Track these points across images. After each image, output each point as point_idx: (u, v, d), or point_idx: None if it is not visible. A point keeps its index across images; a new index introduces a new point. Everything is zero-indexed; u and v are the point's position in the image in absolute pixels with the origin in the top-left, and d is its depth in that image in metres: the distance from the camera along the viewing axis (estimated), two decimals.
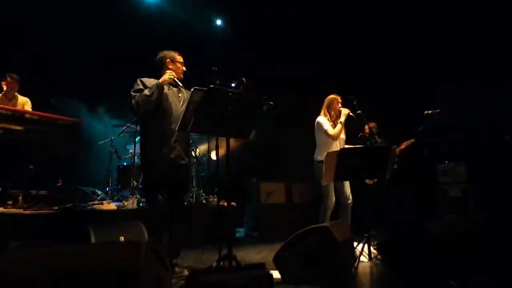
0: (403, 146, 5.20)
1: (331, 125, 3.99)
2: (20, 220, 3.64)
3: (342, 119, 3.96)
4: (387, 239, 3.22)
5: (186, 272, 2.98)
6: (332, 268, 2.59)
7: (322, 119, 4.02)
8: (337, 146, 4.00)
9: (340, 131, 3.98)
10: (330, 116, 4.05)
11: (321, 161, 3.88)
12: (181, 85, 3.18)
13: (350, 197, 3.99)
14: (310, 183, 4.28)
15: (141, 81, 3.07)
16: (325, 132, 3.95)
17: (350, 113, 3.97)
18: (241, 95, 2.54)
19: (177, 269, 3.00)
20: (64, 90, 5.46)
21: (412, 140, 5.25)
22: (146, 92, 2.93)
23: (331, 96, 4.13)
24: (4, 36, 5.27)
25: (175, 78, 3.12)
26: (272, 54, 6.83)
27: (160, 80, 3.00)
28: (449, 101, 5.61)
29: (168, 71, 3.07)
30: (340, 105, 4.07)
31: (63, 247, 1.63)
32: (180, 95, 3.14)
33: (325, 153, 3.55)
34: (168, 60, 3.19)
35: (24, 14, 5.63)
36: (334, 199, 3.91)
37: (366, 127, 4.56)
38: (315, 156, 4.07)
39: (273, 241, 4.97)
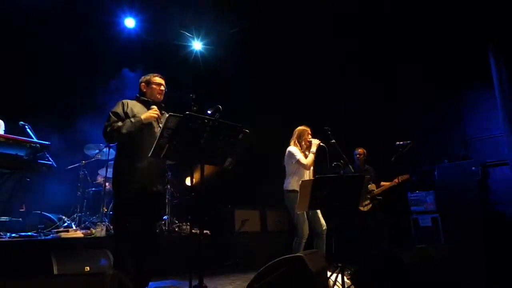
0: (398, 180, 5.33)
1: (302, 155, 4.04)
2: None
3: (314, 149, 4.02)
4: (361, 269, 3.20)
5: None
6: None
7: (294, 149, 4.07)
8: (307, 175, 4.03)
9: (312, 161, 4.02)
10: (300, 146, 4.12)
11: (291, 190, 3.96)
12: (160, 116, 3.08)
13: (324, 224, 3.98)
14: (285, 211, 4.27)
15: (122, 105, 3.02)
16: (298, 161, 3.98)
17: (321, 144, 4.03)
18: (217, 122, 2.53)
19: None
20: (34, 112, 5.31)
21: (407, 176, 5.41)
22: (124, 129, 2.88)
23: (301, 127, 4.22)
24: None
25: (152, 100, 3.10)
26: (249, 78, 6.97)
27: (143, 117, 2.95)
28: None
29: (153, 109, 3.02)
30: (309, 136, 4.16)
31: (21, 280, 1.52)
32: (160, 124, 3.05)
33: (299, 182, 3.59)
34: (142, 84, 3.19)
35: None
36: (307, 229, 3.89)
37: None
38: (285, 185, 4.08)
39: (247, 270, 4.87)
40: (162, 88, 3.18)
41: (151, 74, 3.20)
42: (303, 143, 4.13)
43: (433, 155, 5.92)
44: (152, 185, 3.01)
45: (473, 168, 5.43)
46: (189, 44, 7.10)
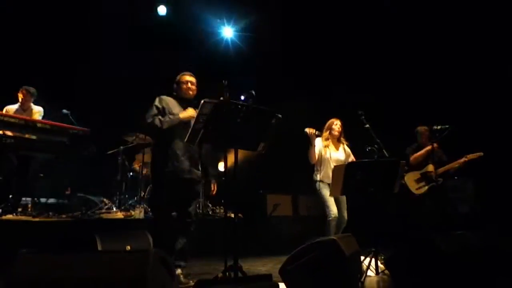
0: (467, 158, 4.71)
1: (324, 145, 4.13)
2: (29, 228, 3.68)
3: (311, 141, 4.02)
4: (395, 254, 3.17)
5: (191, 283, 3.01)
6: (339, 282, 2.56)
7: (316, 141, 4.09)
8: (329, 166, 4.05)
9: (311, 153, 4.04)
10: (326, 137, 4.20)
11: (314, 181, 4.13)
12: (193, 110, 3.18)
13: (345, 219, 4.04)
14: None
15: (160, 101, 3.19)
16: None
17: (309, 132, 3.97)
18: (250, 108, 2.57)
19: (182, 280, 3.02)
20: (76, 101, 5.56)
21: (480, 153, 4.71)
22: (165, 124, 3.03)
23: (331, 119, 4.29)
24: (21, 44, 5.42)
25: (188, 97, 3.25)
26: (282, 64, 6.93)
27: (181, 115, 3.10)
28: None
29: (190, 110, 3.13)
30: (337, 126, 4.22)
31: (70, 254, 1.64)
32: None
33: (320, 172, 3.99)
34: (174, 84, 3.33)
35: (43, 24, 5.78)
36: (336, 211, 3.94)
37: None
38: (313, 175, 4.20)
39: (279, 253, 4.94)
40: (190, 85, 3.26)
41: (181, 74, 3.32)
42: (330, 134, 4.21)
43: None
44: (188, 173, 3.16)
45: None
46: (220, 31, 7.15)
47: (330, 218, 3.92)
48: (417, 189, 4.80)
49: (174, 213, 3.38)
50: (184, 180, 3.14)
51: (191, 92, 3.27)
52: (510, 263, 2.94)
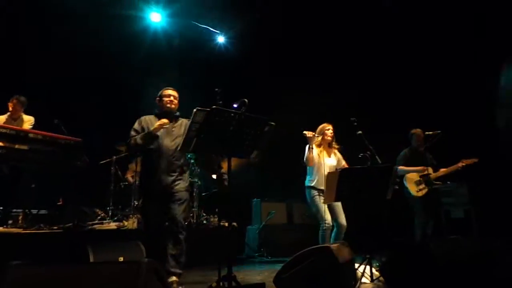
0: (464, 163, 4.77)
1: (319, 152, 4.11)
2: (20, 240, 3.63)
3: (310, 144, 4.05)
4: (390, 260, 3.17)
5: None
6: None
7: (307, 147, 4.10)
8: (322, 172, 4.03)
9: (308, 156, 4.04)
10: (318, 142, 4.17)
11: (307, 187, 4.13)
12: (172, 123, 3.35)
13: (345, 223, 4.00)
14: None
15: (140, 122, 3.39)
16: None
17: (308, 134, 4.01)
18: (243, 116, 2.57)
19: (175, 286, 3.05)
20: (68, 110, 5.53)
21: (475, 159, 4.76)
22: (138, 140, 3.25)
23: (323, 124, 4.27)
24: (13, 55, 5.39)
25: (165, 111, 3.38)
26: (272, 72, 6.97)
27: (151, 128, 3.25)
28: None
29: (162, 120, 3.27)
30: (329, 131, 4.20)
31: (62, 267, 1.62)
32: (173, 129, 3.35)
33: (312, 178, 4.01)
34: (157, 99, 3.49)
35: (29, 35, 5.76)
36: (330, 219, 3.93)
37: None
38: (305, 181, 4.20)
39: (274, 262, 4.92)
40: (172, 98, 3.41)
41: (163, 88, 3.48)
42: (322, 138, 4.18)
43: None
44: (169, 185, 3.27)
45: None
46: (214, 38, 7.19)
47: (325, 227, 3.89)
48: (417, 191, 4.83)
49: (166, 223, 3.40)
50: (167, 192, 3.25)
51: (173, 106, 3.41)
52: (502, 268, 2.95)
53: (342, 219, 4.00)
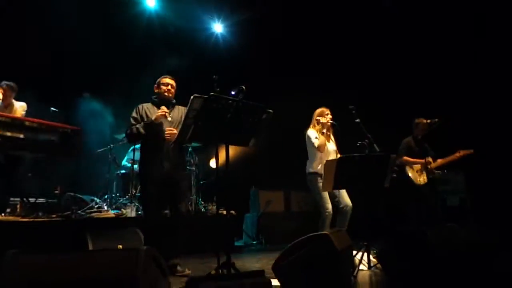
0: (460, 154, 4.82)
1: (316, 139, 4.08)
2: (18, 229, 3.62)
3: (324, 130, 4.08)
4: (387, 248, 3.20)
5: (188, 271, 3.19)
6: (331, 277, 2.57)
7: (311, 132, 4.12)
8: (327, 157, 4.03)
9: (324, 142, 4.03)
10: (319, 127, 4.14)
11: (312, 173, 4.09)
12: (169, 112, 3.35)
13: (349, 203, 4.01)
14: (309, 192, 4.32)
15: (137, 110, 3.41)
16: (313, 145, 4.05)
17: (330, 122, 4.06)
18: (241, 103, 2.55)
19: (179, 268, 3.18)
20: (64, 98, 5.48)
21: (470, 151, 4.83)
22: (140, 129, 3.27)
23: (320, 109, 4.24)
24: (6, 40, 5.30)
25: (163, 99, 3.41)
26: (271, 61, 6.92)
27: (153, 118, 3.27)
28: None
29: (161, 109, 3.30)
30: (328, 116, 4.16)
31: (60, 255, 1.62)
32: (170, 115, 3.35)
33: (318, 164, 3.91)
34: (155, 86, 3.51)
35: (24, 16, 5.65)
36: (330, 207, 3.94)
37: None
38: (306, 168, 4.18)
39: (272, 249, 4.95)
40: (170, 87, 3.45)
41: (161, 77, 3.51)
42: (321, 124, 4.14)
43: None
44: (173, 172, 3.28)
45: None
46: (210, 26, 7.11)
47: (326, 214, 3.90)
48: (420, 180, 4.86)
49: (167, 211, 3.44)
50: (168, 180, 3.26)
51: (170, 95, 3.45)
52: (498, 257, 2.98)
53: (347, 200, 4.02)
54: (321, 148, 4.03)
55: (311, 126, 4.22)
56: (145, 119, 3.34)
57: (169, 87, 3.44)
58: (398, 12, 6.09)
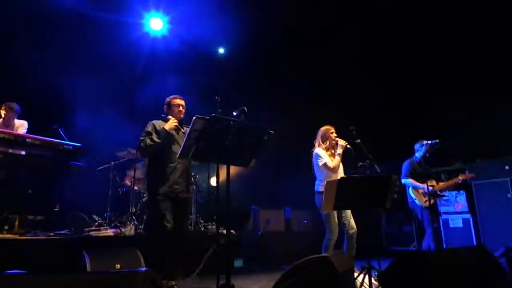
0: (461, 178, 4.98)
1: (328, 156, 4.03)
2: (15, 247, 3.58)
3: (340, 151, 4.01)
4: (388, 270, 3.15)
5: None
6: None
7: (320, 151, 4.06)
8: (336, 176, 3.99)
9: (339, 163, 4.01)
10: (325, 146, 4.10)
11: (321, 192, 3.95)
12: (181, 128, 3.49)
13: (354, 227, 3.97)
14: (309, 211, 4.27)
15: (153, 125, 3.47)
16: (325, 164, 3.99)
17: (348, 146, 4.01)
18: (242, 124, 2.57)
19: None
20: (66, 115, 5.52)
21: (472, 175, 5.04)
22: (155, 138, 3.35)
23: (324, 127, 4.20)
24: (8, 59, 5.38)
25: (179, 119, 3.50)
26: (271, 82, 6.98)
27: (166, 127, 3.39)
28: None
29: (172, 119, 3.43)
30: (333, 134, 4.13)
31: (56, 277, 1.59)
32: (182, 135, 3.44)
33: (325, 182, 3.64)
34: (165, 106, 3.61)
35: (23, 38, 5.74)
36: (337, 229, 3.89)
37: None
38: (315, 187, 4.10)
39: (272, 270, 4.88)
40: (181, 108, 3.57)
41: (171, 97, 3.61)
42: (328, 142, 4.11)
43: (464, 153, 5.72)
44: (183, 193, 3.36)
45: (506, 167, 5.23)
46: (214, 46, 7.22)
47: (330, 238, 3.85)
48: (425, 202, 4.85)
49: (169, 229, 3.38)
50: (180, 199, 3.33)
51: (181, 115, 3.57)
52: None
53: (352, 223, 3.97)
54: (335, 169, 4.00)
55: (317, 144, 4.17)
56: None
57: (181, 107, 3.55)
58: (399, 12, 6.08)
